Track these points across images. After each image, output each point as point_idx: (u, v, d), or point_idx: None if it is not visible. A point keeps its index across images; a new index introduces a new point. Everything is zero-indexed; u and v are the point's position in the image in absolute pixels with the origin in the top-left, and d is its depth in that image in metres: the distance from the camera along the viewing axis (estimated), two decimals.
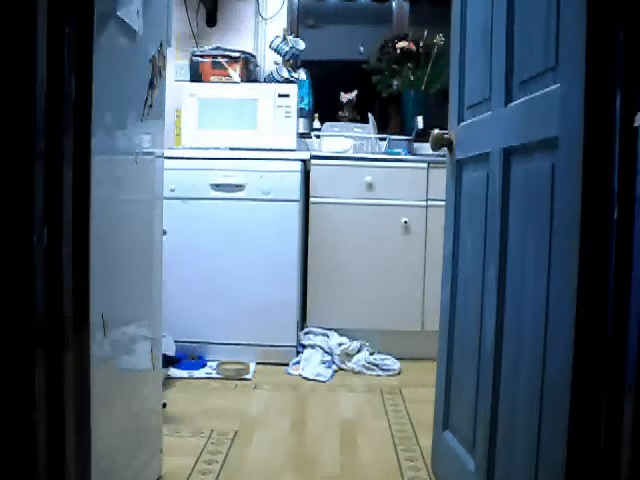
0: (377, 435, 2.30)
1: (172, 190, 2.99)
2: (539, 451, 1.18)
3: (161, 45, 1.68)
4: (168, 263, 2.48)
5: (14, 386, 1.07)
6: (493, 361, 1.45)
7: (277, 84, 3.48)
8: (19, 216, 1.06)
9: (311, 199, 3.28)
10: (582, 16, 1.03)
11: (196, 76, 3.48)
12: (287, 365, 3.09)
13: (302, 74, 3.71)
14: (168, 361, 2.68)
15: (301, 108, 3.59)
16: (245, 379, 2.89)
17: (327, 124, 3.71)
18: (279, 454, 2.12)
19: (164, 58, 1.71)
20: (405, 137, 3.75)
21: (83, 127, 1.17)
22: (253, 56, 3.68)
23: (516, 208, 1.38)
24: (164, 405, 2.32)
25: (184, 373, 2.92)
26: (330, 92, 3.84)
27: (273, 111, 3.31)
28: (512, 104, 1.39)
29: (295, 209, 3.15)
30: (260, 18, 3.84)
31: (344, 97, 3.82)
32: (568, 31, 1.11)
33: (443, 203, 1.95)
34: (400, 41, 3.83)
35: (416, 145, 3.72)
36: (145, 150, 1.63)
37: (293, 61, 3.73)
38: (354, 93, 3.82)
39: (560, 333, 1.09)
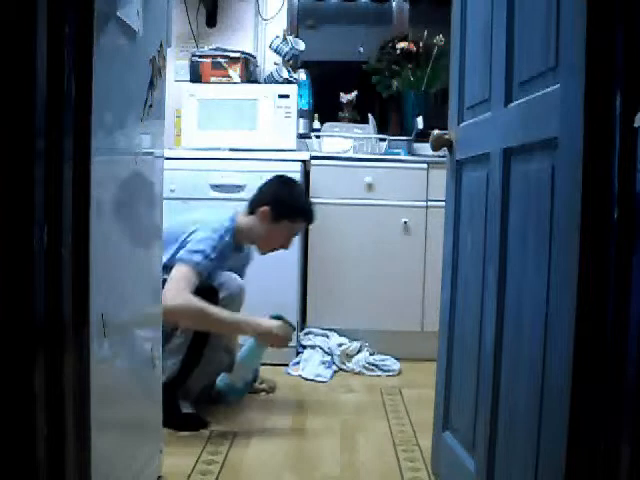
0: (377, 435, 2.30)
1: (172, 190, 2.98)
2: (539, 451, 1.18)
3: (161, 45, 1.68)
4: None
5: (14, 386, 1.07)
6: (493, 361, 1.45)
7: (277, 85, 3.48)
8: (19, 216, 1.06)
9: (311, 199, 3.27)
10: (582, 16, 1.03)
11: (196, 76, 3.48)
12: (287, 365, 3.09)
13: (302, 74, 3.71)
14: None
15: (301, 109, 3.59)
16: None
17: (327, 124, 3.71)
18: (279, 454, 2.12)
19: (164, 58, 1.71)
20: (405, 137, 3.75)
21: (83, 127, 1.17)
22: (253, 56, 3.68)
23: (516, 208, 1.38)
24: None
25: None
26: (330, 92, 3.84)
27: (273, 112, 3.31)
28: (512, 104, 1.39)
29: None
30: (260, 18, 3.84)
31: (344, 97, 3.82)
32: (568, 31, 1.11)
33: (443, 203, 1.95)
34: (400, 41, 3.83)
35: (416, 145, 3.71)
36: (145, 150, 1.63)
37: (293, 61, 3.73)
38: (354, 93, 3.82)
39: (560, 333, 1.09)
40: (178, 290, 2.25)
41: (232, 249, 2.50)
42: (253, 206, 2.56)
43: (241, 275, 2.68)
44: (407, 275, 3.25)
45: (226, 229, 2.44)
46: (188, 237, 2.39)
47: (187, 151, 3.29)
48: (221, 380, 2.38)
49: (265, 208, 2.50)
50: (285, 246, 2.62)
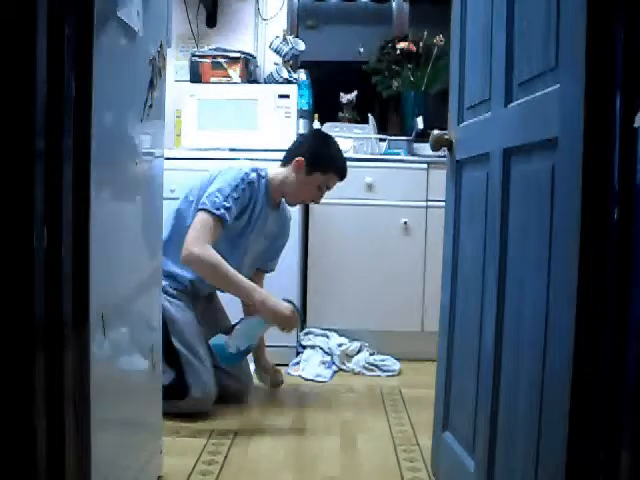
0: (377, 435, 2.30)
1: (172, 191, 2.97)
2: (539, 451, 1.18)
3: (161, 45, 1.68)
4: None
5: (13, 386, 1.07)
6: (493, 361, 1.45)
7: (277, 85, 3.48)
8: (19, 216, 1.06)
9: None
10: (582, 16, 1.03)
11: (196, 77, 3.48)
12: (287, 366, 3.09)
13: (302, 75, 3.71)
14: None
15: (301, 109, 3.59)
16: None
17: (327, 125, 3.71)
18: (279, 454, 2.12)
19: (164, 58, 1.71)
20: (405, 137, 3.75)
21: (83, 127, 1.17)
22: (253, 57, 3.68)
23: (516, 208, 1.38)
24: None
25: None
26: (330, 93, 3.84)
27: (273, 112, 3.31)
28: (512, 104, 1.39)
29: (295, 209, 3.14)
30: (260, 19, 3.84)
31: (344, 98, 3.82)
32: (568, 31, 1.11)
33: (443, 204, 1.95)
34: (400, 42, 3.83)
35: (416, 145, 3.71)
36: (145, 150, 1.63)
37: (293, 62, 3.73)
38: (354, 94, 3.82)
39: (560, 334, 1.09)
40: (197, 239, 2.30)
41: (265, 200, 2.53)
42: (287, 157, 2.59)
43: (277, 257, 2.73)
44: (407, 275, 3.25)
45: (251, 169, 2.48)
46: (209, 184, 2.42)
47: (187, 151, 3.29)
48: (217, 339, 2.35)
49: (300, 158, 2.53)
50: (316, 200, 2.67)
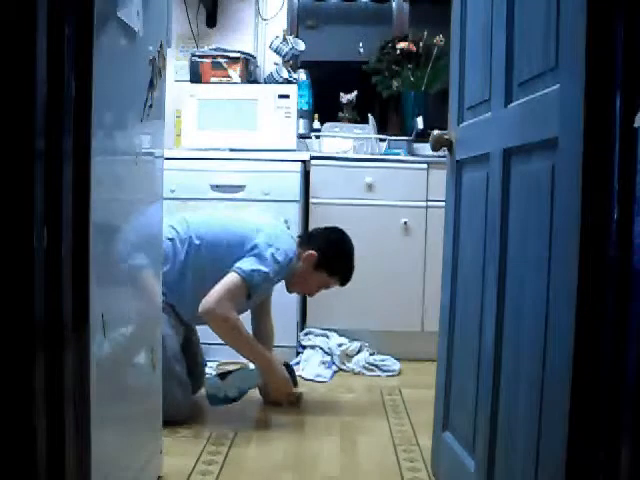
0: (377, 435, 2.30)
1: (172, 191, 2.98)
2: (539, 451, 1.18)
3: (161, 45, 1.68)
4: None
5: (14, 386, 1.07)
6: (493, 362, 1.45)
7: (277, 85, 3.48)
8: (19, 216, 1.06)
9: (311, 200, 3.27)
10: (582, 16, 1.03)
11: (196, 77, 3.48)
12: None
13: (302, 75, 3.72)
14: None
15: (301, 109, 3.59)
16: None
17: (327, 125, 3.71)
18: (279, 454, 2.12)
19: (164, 58, 1.71)
20: (405, 137, 3.75)
21: (83, 127, 1.17)
22: (253, 57, 3.68)
23: (516, 209, 1.38)
24: None
25: None
26: (330, 93, 3.84)
27: (273, 112, 3.31)
28: (512, 104, 1.39)
29: (295, 210, 3.15)
30: (260, 19, 3.84)
31: (344, 98, 3.82)
32: (568, 31, 1.11)
33: (443, 204, 1.95)
34: (400, 41, 3.83)
35: (416, 145, 3.72)
36: (145, 150, 1.63)
37: (293, 62, 3.73)
38: (354, 94, 3.82)
39: (560, 334, 1.09)
40: (223, 299, 2.31)
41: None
42: (306, 242, 2.60)
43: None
44: (407, 275, 3.25)
45: (291, 259, 2.47)
46: (256, 246, 2.40)
47: (187, 151, 3.29)
48: (212, 381, 2.45)
49: (313, 252, 2.54)
50: (311, 294, 2.72)
